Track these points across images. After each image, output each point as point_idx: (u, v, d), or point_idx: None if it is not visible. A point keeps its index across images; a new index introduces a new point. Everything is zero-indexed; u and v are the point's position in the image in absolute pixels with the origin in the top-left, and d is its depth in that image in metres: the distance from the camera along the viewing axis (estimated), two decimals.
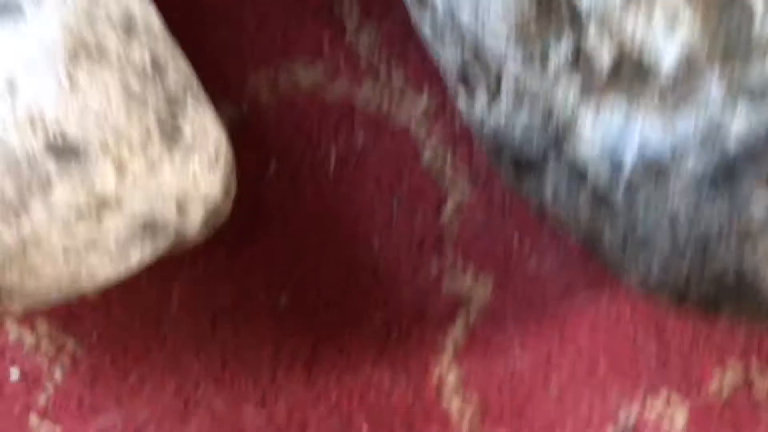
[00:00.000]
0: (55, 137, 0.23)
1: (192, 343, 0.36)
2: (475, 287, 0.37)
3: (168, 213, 0.26)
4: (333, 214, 0.36)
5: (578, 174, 0.24)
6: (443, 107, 0.36)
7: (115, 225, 0.25)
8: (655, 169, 0.23)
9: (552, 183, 0.25)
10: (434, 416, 0.37)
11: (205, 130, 0.27)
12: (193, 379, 0.36)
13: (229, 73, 0.34)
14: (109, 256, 0.25)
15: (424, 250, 0.36)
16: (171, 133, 0.26)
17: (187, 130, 0.26)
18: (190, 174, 0.27)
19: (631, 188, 0.23)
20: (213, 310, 0.36)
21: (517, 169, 0.26)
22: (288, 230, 0.36)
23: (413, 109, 0.35)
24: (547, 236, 0.37)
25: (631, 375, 0.39)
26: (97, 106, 0.24)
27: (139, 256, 0.27)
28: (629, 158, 0.23)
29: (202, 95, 0.28)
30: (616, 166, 0.23)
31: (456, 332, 0.37)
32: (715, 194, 0.22)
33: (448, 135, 0.36)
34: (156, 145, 0.25)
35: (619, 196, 0.23)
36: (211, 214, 0.29)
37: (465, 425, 0.38)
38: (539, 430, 0.38)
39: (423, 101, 0.35)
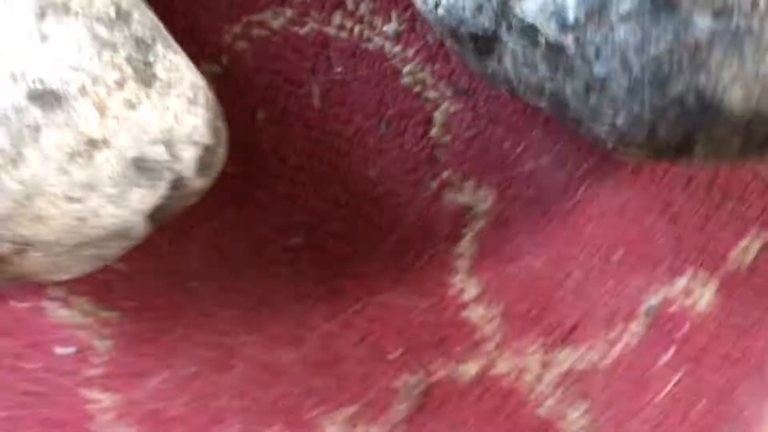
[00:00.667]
0: (35, 84, 0.25)
1: (219, 296, 0.38)
2: (477, 197, 0.38)
3: (157, 152, 0.28)
4: (326, 149, 0.37)
5: (529, 33, 0.25)
6: (413, 27, 0.37)
7: (107, 163, 0.26)
8: (596, 6, 0.23)
9: (510, 51, 0.26)
10: (461, 328, 0.38)
11: (180, 72, 0.29)
12: (226, 330, 0.38)
13: (203, 33, 0.36)
14: (109, 198, 0.27)
15: (420, 169, 0.38)
16: (145, 74, 0.27)
17: (160, 71, 0.28)
18: (170, 113, 0.28)
19: (578, 29, 0.24)
20: (232, 262, 0.38)
21: (477, 48, 0.27)
22: (286, 172, 0.37)
23: (385, 33, 0.36)
24: (539, 136, 0.38)
25: (650, 259, 0.39)
26: (69, 54, 0.25)
27: (140, 198, 0.28)
28: (570, 1, 0.24)
29: (172, 42, 0.29)
30: (560, 11, 0.24)
31: (466, 244, 0.38)
32: (657, 16, 0.23)
33: (423, 52, 0.37)
34: (132, 85, 0.27)
35: (569, 41, 0.24)
36: (204, 156, 0.30)
37: (493, 333, 0.39)
38: (568, 328, 0.39)
39: (393, 24, 0.36)
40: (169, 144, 0.28)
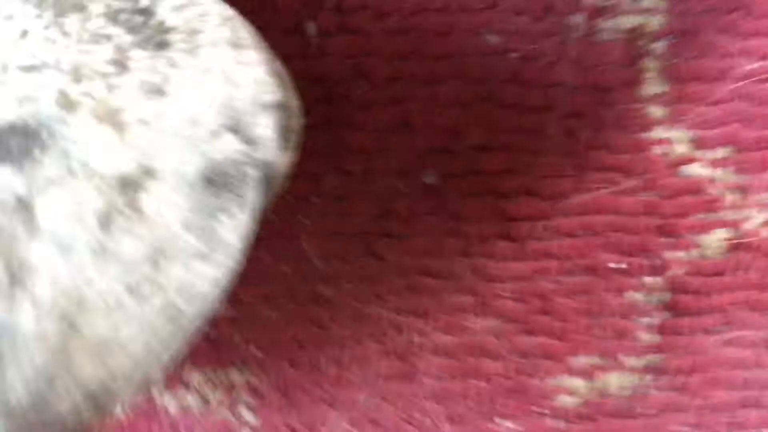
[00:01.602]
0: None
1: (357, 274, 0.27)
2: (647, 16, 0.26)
3: (226, 147, 0.17)
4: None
5: None
6: None
7: (164, 203, 0.15)
8: None
9: None
10: (686, 194, 0.27)
11: (198, 4, 0.17)
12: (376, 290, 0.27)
13: None
14: (188, 257, 0.16)
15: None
16: (147, 30, 0.16)
17: (166, 15, 0.16)
18: (215, 75, 0.16)
19: None
20: (358, 221, 0.27)
21: None
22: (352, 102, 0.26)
23: None
24: None
25: None
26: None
27: (230, 227, 0.17)
28: None
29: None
30: None
31: (650, 68, 0.27)
32: None
33: None
34: (138, 57, 0.15)
35: None
36: (282, 117, 0.19)
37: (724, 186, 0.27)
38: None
39: None
40: (235, 125, 0.17)
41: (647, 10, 0.26)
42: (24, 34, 0.15)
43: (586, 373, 0.28)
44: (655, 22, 0.27)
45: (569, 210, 0.27)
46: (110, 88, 0.15)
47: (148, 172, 0.15)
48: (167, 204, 0.15)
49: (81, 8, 0.15)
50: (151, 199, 0.15)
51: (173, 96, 0.16)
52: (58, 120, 0.14)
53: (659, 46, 0.27)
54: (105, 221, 0.14)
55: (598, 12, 0.26)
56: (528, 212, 0.27)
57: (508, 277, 0.28)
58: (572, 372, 0.28)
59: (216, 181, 0.17)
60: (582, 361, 0.28)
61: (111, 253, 0.15)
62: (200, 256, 0.16)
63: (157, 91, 0.15)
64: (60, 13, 0.15)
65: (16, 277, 0.14)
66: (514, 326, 0.28)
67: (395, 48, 0.26)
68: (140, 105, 0.15)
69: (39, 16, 0.15)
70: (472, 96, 0.27)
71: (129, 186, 0.15)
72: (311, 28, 0.26)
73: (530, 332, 0.28)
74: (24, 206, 0.14)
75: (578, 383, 0.28)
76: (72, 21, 0.15)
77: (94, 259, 0.14)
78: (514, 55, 0.26)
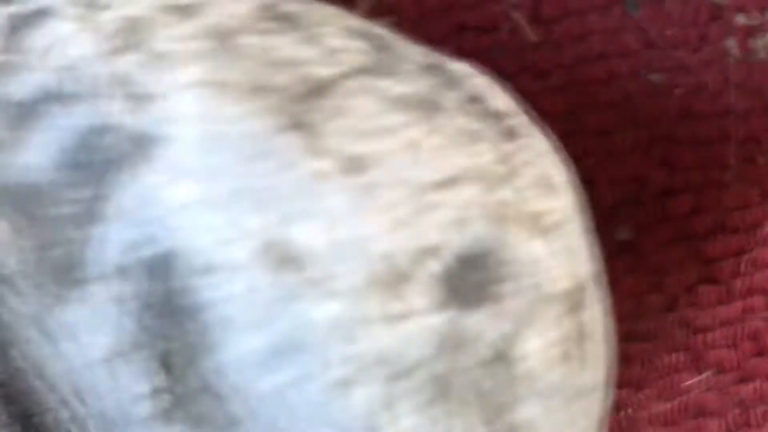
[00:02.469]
0: None
1: None
2: None
3: None
4: None
5: None
6: None
7: None
8: None
9: None
10: None
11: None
12: None
13: None
14: None
15: None
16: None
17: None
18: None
19: None
20: None
21: None
22: None
23: None
24: None
25: None
26: None
27: None
28: None
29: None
30: None
31: None
32: None
33: None
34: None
35: None
36: None
37: None
38: None
39: None
40: None
41: None
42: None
43: None
44: None
45: (765, 239, 0.26)
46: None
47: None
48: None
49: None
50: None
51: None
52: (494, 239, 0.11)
53: None
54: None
55: (750, 32, 0.26)
56: (726, 249, 0.26)
57: (717, 323, 0.26)
58: None
59: None
60: None
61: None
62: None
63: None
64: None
65: None
66: (730, 376, 0.26)
67: (561, 105, 0.25)
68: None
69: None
70: (647, 139, 0.25)
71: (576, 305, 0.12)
72: None
73: (746, 379, 0.26)
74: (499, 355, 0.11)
75: None
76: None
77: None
78: (679, 90, 0.26)
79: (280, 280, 0.12)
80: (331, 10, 0.15)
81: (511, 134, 0.14)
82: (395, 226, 0.12)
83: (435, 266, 0.12)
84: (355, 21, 0.15)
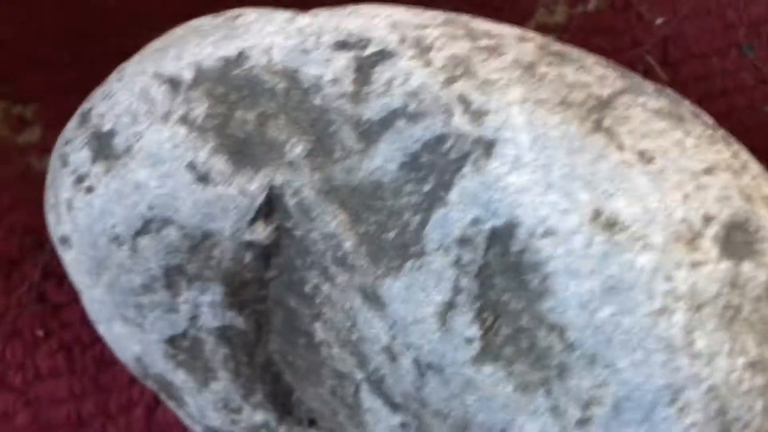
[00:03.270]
0: None
1: None
2: None
3: None
4: None
5: None
6: None
7: None
8: None
9: None
10: None
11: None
12: None
13: None
14: None
15: None
16: None
17: None
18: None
19: None
20: None
21: None
22: None
23: None
24: None
25: None
26: None
27: None
28: None
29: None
30: None
31: None
32: None
33: None
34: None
35: None
36: None
37: None
38: None
39: None
40: None
41: None
42: None
43: None
44: None
45: None
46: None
47: None
48: None
49: None
50: None
51: None
52: None
53: None
54: None
55: None
56: None
57: None
58: None
59: None
60: None
61: None
62: None
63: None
64: None
65: None
66: None
67: None
68: None
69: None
70: (765, 166, 0.30)
71: None
72: None
73: None
74: None
75: None
76: None
77: None
78: None
79: (608, 237, 0.16)
80: (576, 49, 0.19)
81: (726, 139, 0.19)
82: (685, 200, 0.16)
83: (715, 228, 0.16)
84: (596, 57, 0.19)
